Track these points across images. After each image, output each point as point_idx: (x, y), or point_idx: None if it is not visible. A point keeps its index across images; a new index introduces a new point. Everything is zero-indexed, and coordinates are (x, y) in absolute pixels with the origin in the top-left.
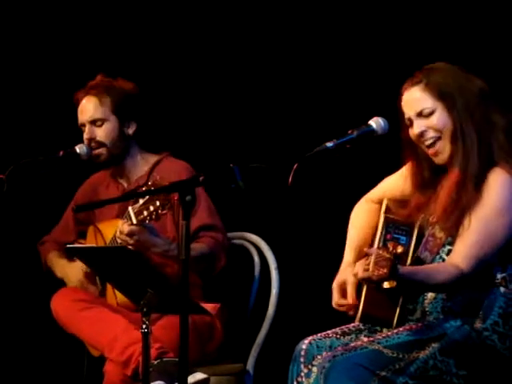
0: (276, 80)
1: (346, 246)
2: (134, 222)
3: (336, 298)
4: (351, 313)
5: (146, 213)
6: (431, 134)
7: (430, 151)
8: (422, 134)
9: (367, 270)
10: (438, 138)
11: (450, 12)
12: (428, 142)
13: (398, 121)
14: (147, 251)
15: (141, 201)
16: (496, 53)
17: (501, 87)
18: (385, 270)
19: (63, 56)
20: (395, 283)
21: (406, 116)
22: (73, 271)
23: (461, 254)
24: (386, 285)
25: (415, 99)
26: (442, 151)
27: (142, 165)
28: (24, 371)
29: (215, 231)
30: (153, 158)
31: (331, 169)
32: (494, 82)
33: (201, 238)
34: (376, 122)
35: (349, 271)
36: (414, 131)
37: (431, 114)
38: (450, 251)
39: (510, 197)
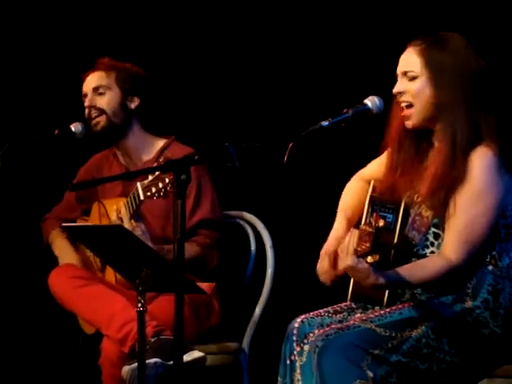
0: (271, 59)
1: (337, 215)
2: (142, 197)
3: (324, 264)
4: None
5: (154, 189)
6: (406, 97)
7: (402, 113)
8: (398, 95)
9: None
10: (410, 105)
11: None
12: (402, 105)
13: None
14: None
15: (150, 177)
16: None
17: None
18: (367, 244)
19: (64, 37)
20: (378, 257)
21: (397, 70)
22: (68, 255)
23: (449, 245)
24: (369, 259)
25: (407, 59)
26: (411, 117)
27: (148, 148)
28: (17, 351)
29: (213, 229)
30: (160, 142)
31: (326, 147)
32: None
33: (198, 235)
34: (371, 101)
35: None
36: (394, 89)
37: (414, 78)
38: (435, 234)
39: (492, 177)
